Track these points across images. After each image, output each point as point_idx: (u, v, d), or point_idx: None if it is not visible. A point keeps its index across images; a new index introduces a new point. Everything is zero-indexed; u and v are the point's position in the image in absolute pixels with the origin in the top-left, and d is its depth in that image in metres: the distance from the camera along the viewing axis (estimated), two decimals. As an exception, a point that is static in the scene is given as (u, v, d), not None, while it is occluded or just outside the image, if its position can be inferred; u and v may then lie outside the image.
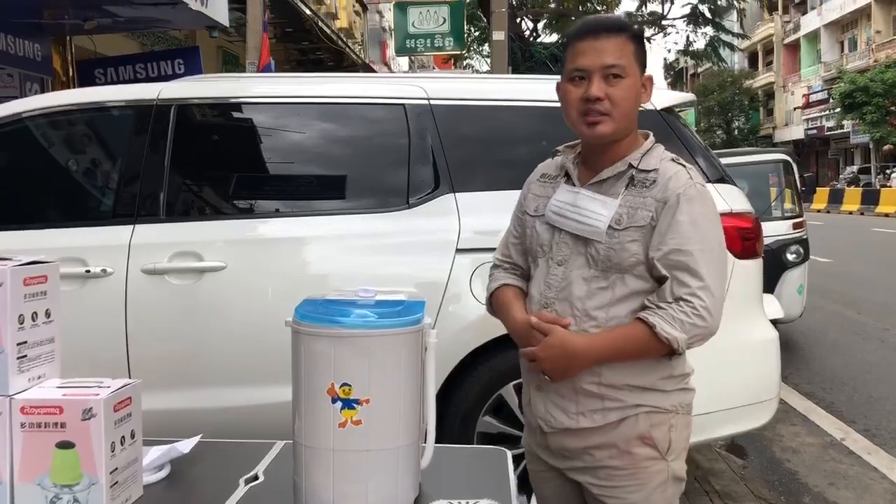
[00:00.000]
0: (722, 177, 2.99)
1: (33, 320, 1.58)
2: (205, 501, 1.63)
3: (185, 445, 1.85)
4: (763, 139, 49.44)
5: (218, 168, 3.14)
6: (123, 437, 1.58)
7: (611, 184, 1.82)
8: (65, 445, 1.50)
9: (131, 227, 2.88)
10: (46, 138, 3.11)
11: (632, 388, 1.81)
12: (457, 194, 2.92)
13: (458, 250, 2.85)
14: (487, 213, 2.69)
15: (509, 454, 1.96)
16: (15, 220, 2.93)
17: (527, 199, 1.98)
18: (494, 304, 2.02)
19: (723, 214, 2.88)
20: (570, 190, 1.87)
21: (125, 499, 1.59)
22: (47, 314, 1.63)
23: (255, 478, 1.77)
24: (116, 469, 1.55)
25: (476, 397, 2.84)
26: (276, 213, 3.06)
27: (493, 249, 2.09)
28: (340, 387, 1.51)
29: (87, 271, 2.82)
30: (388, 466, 1.55)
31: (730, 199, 2.90)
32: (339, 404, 1.51)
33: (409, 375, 1.56)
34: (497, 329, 2.84)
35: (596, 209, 1.80)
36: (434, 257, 2.86)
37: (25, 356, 1.56)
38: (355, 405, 1.52)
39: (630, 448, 1.81)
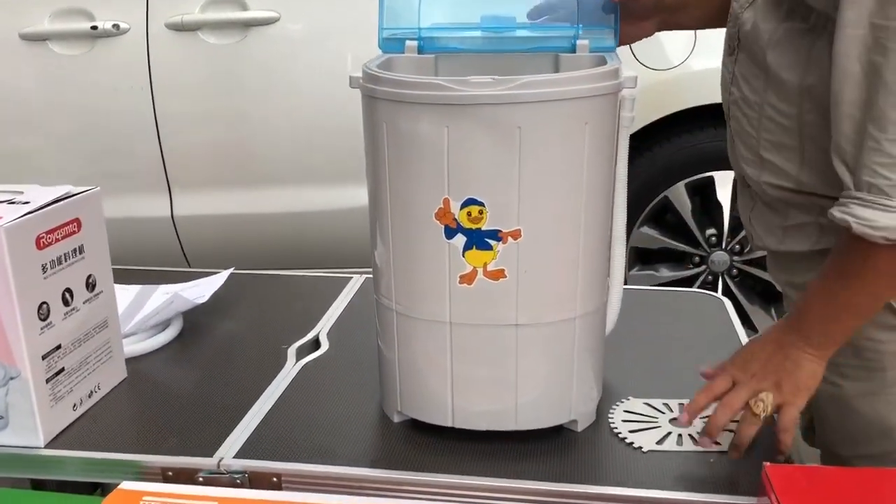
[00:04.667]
0: None
1: None
2: (227, 395, 0.94)
3: (202, 289, 1.14)
4: None
5: None
6: (69, 291, 0.87)
7: None
8: (-50, 311, 0.80)
9: (148, -38, 2.07)
10: None
11: None
12: None
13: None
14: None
15: (728, 304, 1.19)
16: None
17: None
18: None
19: None
20: None
21: (87, 391, 0.91)
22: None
23: (315, 345, 1.06)
24: (58, 349, 0.85)
25: (631, 198, 2.04)
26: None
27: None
28: (463, 207, 0.74)
29: (94, 28, 2.05)
30: (556, 354, 0.81)
31: None
32: (460, 240, 0.76)
33: (595, 182, 0.78)
34: (664, 106, 2.03)
35: None
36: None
37: None
38: (492, 242, 0.76)
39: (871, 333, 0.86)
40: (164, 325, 1.09)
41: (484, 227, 0.75)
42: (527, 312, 0.78)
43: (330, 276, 1.28)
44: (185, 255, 2.16)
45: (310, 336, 1.07)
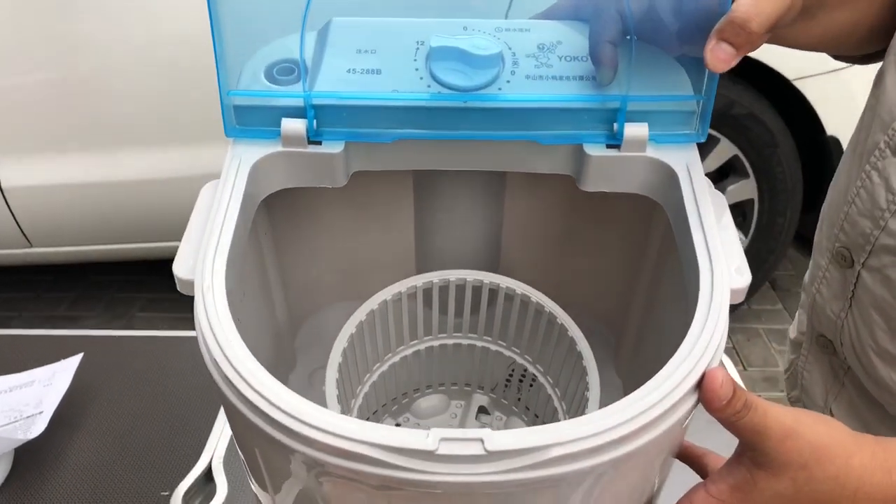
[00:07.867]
0: None
1: None
2: None
3: (38, 397, 0.81)
4: None
5: None
6: None
7: None
8: None
9: None
10: None
11: None
12: None
13: None
14: None
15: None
16: None
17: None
18: None
19: None
20: None
21: None
22: None
23: (207, 482, 0.77)
24: None
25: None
26: None
27: None
28: None
29: None
30: None
31: None
32: None
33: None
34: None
35: None
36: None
37: None
38: None
39: None
40: (-18, 469, 0.76)
41: None
42: None
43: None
44: (23, 232, 1.76)
45: (198, 470, 0.77)
